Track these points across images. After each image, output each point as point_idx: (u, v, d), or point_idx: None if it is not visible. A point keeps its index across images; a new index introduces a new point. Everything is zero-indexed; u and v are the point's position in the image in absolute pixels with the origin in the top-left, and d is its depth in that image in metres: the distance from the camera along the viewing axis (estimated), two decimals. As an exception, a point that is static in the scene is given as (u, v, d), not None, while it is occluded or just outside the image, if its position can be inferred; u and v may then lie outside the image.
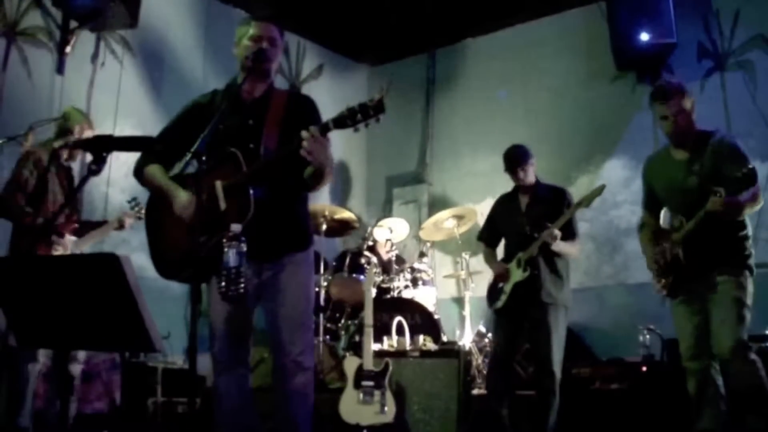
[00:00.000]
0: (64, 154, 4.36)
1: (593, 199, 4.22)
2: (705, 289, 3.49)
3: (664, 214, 3.81)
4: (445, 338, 5.51)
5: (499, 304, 4.39)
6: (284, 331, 2.89)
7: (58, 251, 4.11)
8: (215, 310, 2.93)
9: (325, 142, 2.64)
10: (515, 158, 4.45)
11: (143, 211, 3.97)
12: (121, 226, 4.58)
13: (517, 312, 4.34)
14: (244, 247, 2.56)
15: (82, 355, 4.32)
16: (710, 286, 3.47)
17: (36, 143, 4.35)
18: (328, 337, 5.55)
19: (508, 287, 4.36)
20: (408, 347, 5.04)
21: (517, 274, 4.31)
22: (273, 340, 2.93)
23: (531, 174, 4.47)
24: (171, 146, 2.89)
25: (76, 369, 4.29)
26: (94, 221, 4.79)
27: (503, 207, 4.66)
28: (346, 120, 2.57)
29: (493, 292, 4.49)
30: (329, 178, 2.85)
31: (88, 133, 4.29)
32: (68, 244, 4.20)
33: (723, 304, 3.41)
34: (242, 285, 2.55)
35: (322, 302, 5.70)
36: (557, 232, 4.19)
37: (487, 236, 4.75)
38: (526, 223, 4.39)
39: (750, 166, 3.26)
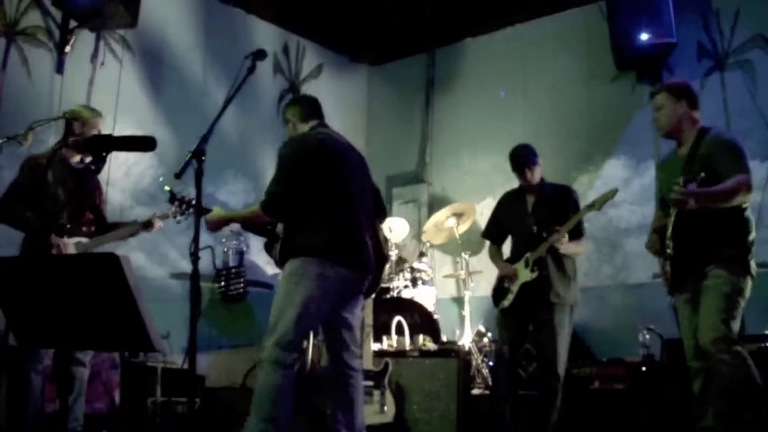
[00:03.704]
0: (72, 155, 4.08)
1: (605, 202, 4.13)
2: (700, 282, 3.44)
3: None
4: (444, 338, 5.51)
5: (506, 303, 4.35)
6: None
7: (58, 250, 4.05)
8: None
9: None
10: (522, 159, 4.40)
11: (188, 211, 4.08)
12: (147, 227, 4.22)
13: (524, 312, 4.31)
14: (243, 247, 2.57)
15: (89, 359, 4.25)
16: (704, 279, 3.42)
17: (35, 143, 4.31)
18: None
19: (515, 287, 4.32)
20: (407, 347, 5.05)
21: (525, 275, 4.27)
22: None
23: (537, 173, 4.42)
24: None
25: (81, 372, 4.22)
26: (118, 222, 4.41)
27: (509, 205, 4.60)
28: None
29: (499, 291, 4.45)
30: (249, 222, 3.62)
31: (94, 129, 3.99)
32: (68, 245, 4.13)
33: (710, 295, 3.36)
34: (241, 285, 2.56)
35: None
36: (565, 237, 4.17)
37: (493, 234, 4.68)
38: (533, 222, 4.35)
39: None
